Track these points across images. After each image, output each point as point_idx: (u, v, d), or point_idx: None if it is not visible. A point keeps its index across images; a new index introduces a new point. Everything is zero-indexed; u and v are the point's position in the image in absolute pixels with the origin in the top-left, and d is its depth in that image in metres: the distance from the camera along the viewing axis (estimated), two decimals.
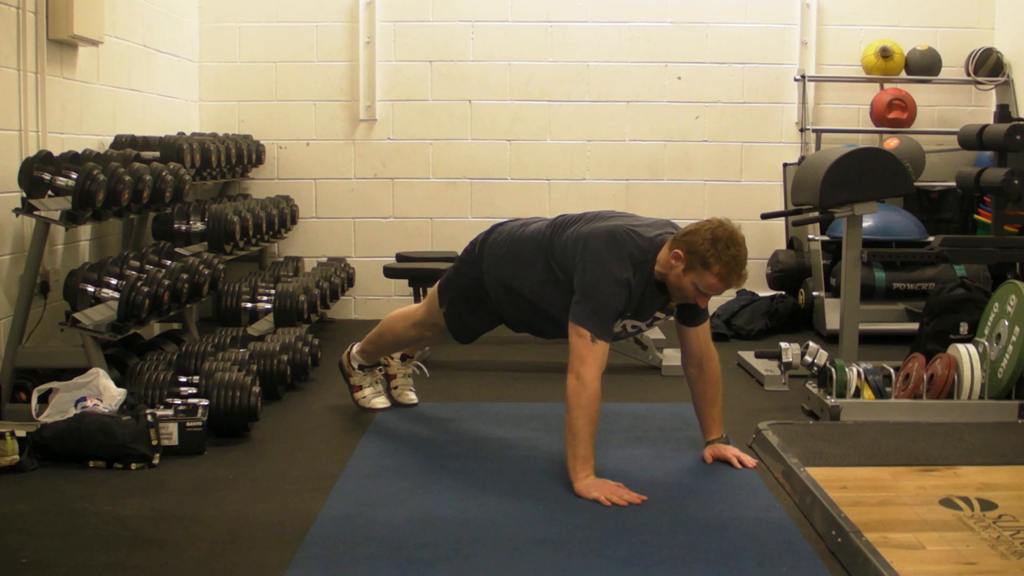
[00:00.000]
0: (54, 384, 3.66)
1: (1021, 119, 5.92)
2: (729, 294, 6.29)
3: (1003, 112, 6.03)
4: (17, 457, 3.29)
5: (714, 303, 6.18)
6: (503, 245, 3.57)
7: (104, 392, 3.60)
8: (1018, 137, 4.77)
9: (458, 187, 6.38)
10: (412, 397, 4.20)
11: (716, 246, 3.10)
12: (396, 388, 4.20)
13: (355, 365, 4.13)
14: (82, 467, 3.35)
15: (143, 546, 2.72)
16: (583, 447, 3.13)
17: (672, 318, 3.45)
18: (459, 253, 5.50)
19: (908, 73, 6.25)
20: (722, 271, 3.11)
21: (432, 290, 3.87)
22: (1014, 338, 3.93)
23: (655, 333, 5.32)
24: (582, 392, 3.12)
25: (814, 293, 5.81)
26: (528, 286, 3.47)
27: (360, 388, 4.14)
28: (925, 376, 3.98)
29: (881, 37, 6.25)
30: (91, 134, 4.77)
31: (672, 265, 3.17)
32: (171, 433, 3.48)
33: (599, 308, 3.17)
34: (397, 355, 4.18)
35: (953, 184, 5.50)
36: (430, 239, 6.35)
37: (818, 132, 6.26)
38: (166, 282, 4.07)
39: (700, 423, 3.52)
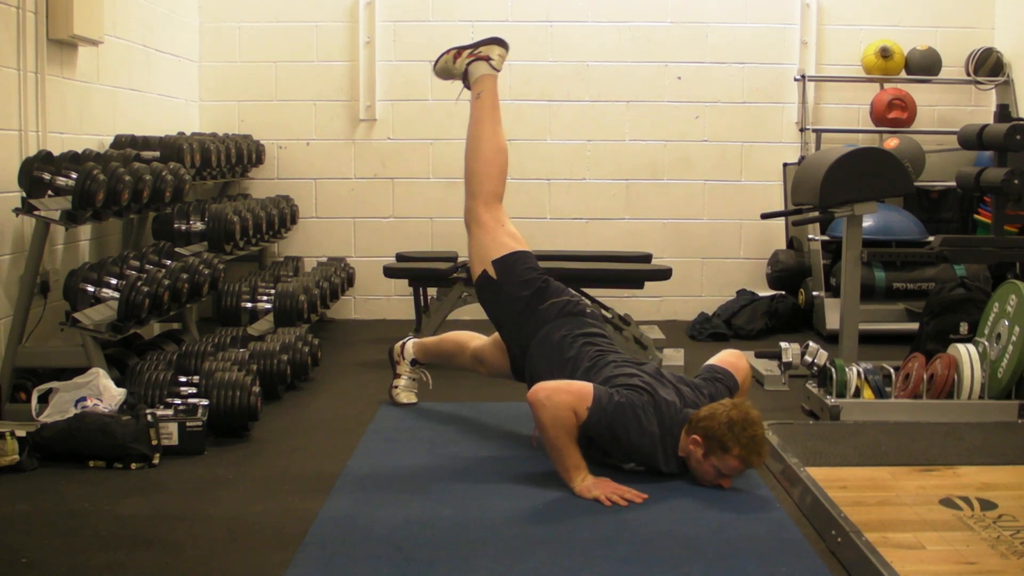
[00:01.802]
0: (54, 384, 3.66)
1: (1021, 119, 5.92)
2: (729, 294, 6.30)
3: (1003, 112, 6.03)
4: (17, 457, 3.29)
5: (714, 303, 6.23)
6: (549, 355, 3.48)
7: (104, 392, 3.60)
8: (1018, 137, 4.77)
9: (458, 187, 6.30)
10: (412, 398, 4.23)
11: (733, 429, 3.07)
12: (396, 388, 4.22)
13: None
14: (82, 467, 3.35)
15: (143, 546, 2.72)
16: (570, 458, 3.13)
17: None
18: (459, 254, 5.53)
19: (908, 73, 6.25)
20: (742, 453, 3.08)
21: (495, 340, 3.82)
22: (1014, 338, 3.93)
23: (655, 332, 5.33)
24: (554, 410, 3.09)
25: (814, 293, 5.81)
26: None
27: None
28: (925, 376, 3.99)
29: (881, 37, 6.25)
30: (91, 134, 4.77)
31: (691, 451, 3.16)
32: (171, 433, 3.48)
33: (615, 414, 3.12)
34: (408, 358, 4.21)
35: (953, 184, 5.50)
36: (430, 239, 6.35)
37: (818, 132, 6.26)
38: (166, 282, 4.07)
39: None
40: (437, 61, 3.95)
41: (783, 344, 4.24)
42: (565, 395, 3.13)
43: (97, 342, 3.82)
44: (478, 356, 3.93)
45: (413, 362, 4.22)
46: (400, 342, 4.26)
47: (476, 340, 4.00)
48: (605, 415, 3.12)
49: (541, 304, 3.60)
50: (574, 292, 3.74)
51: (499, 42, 3.83)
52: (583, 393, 3.13)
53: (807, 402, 4.15)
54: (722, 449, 3.09)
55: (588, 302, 3.76)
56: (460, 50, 3.86)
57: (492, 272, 3.68)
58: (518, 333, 3.62)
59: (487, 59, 3.79)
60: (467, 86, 3.92)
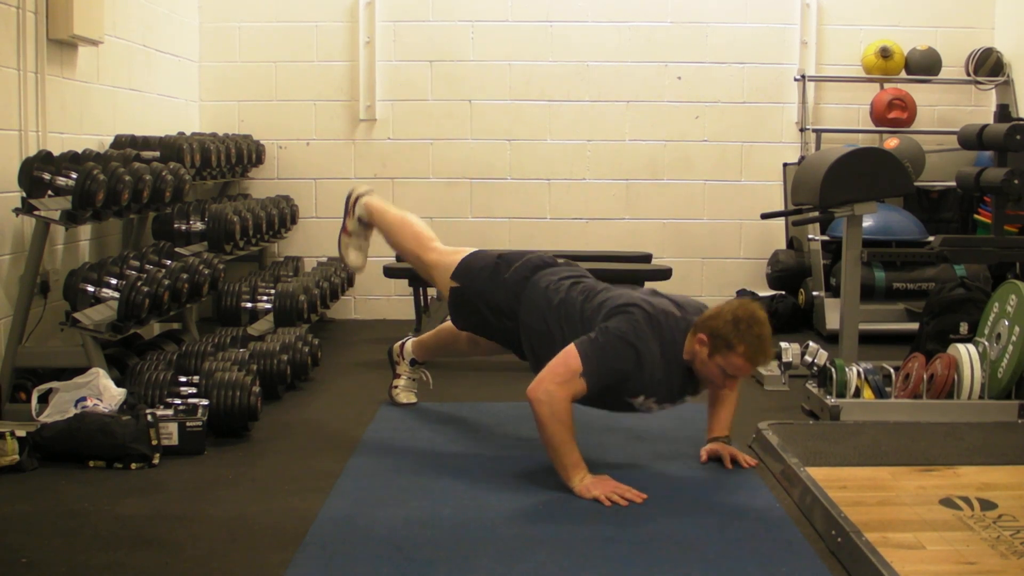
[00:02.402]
0: (54, 384, 3.66)
1: (1021, 119, 5.92)
2: (729, 294, 6.29)
3: (1003, 112, 6.03)
4: (17, 457, 3.29)
5: (714, 303, 6.21)
6: (535, 304, 3.46)
7: (104, 392, 3.60)
8: (1018, 137, 4.77)
9: (458, 187, 6.38)
10: (412, 398, 4.23)
11: (739, 327, 3.06)
12: (396, 388, 4.22)
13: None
14: (82, 467, 3.35)
15: (143, 546, 2.72)
16: (569, 456, 3.13)
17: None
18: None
19: (908, 73, 6.25)
20: (747, 351, 3.07)
21: (453, 254, 3.77)
22: (1014, 338, 3.93)
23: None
24: (552, 405, 3.08)
25: (814, 293, 5.81)
26: (549, 352, 3.34)
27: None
28: (925, 376, 3.99)
29: (881, 37, 6.25)
30: (91, 134, 4.77)
31: (697, 351, 3.14)
32: (171, 433, 3.48)
33: (606, 356, 3.11)
34: (407, 358, 4.20)
35: (953, 184, 5.50)
36: None
37: (818, 132, 6.26)
38: (166, 282, 4.07)
39: (708, 421, 3.52)
40: (345, 258, 4.13)
41: (783, 344, 4.23)
42: (557, 385, 3.09)
43: (97, 342, 3.82)
44: (472, 337, 3.90)
45: (412, 362, 4.22)
46: (399, 342, 4.26)
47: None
48: (601, 367, 3.10)
49: (507, 272, 3.57)
50: (534, 250, 3.72)
51: (351, 192, 4.07)
52: (572, 368, 3.09)
53: (807, 402, 4.15)
54: (727, 347, 3.07)
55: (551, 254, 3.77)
56: (344, 227, 4.08)
57: (456, 283, 3.67)
58: (506, 319, 3.55)
59: (356, 200, 4.02)
60: (369, 224, 4.03)
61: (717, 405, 3.49)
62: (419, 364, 4.23)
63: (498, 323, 3.59)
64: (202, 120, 6.30)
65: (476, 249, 3.75)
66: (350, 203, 4.06)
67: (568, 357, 3.13)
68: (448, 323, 4.07)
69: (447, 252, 3.78)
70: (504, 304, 3.54)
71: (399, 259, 5.57)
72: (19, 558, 2.62)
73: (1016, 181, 4.68)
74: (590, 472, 3.14)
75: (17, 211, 3.84)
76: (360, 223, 4.02)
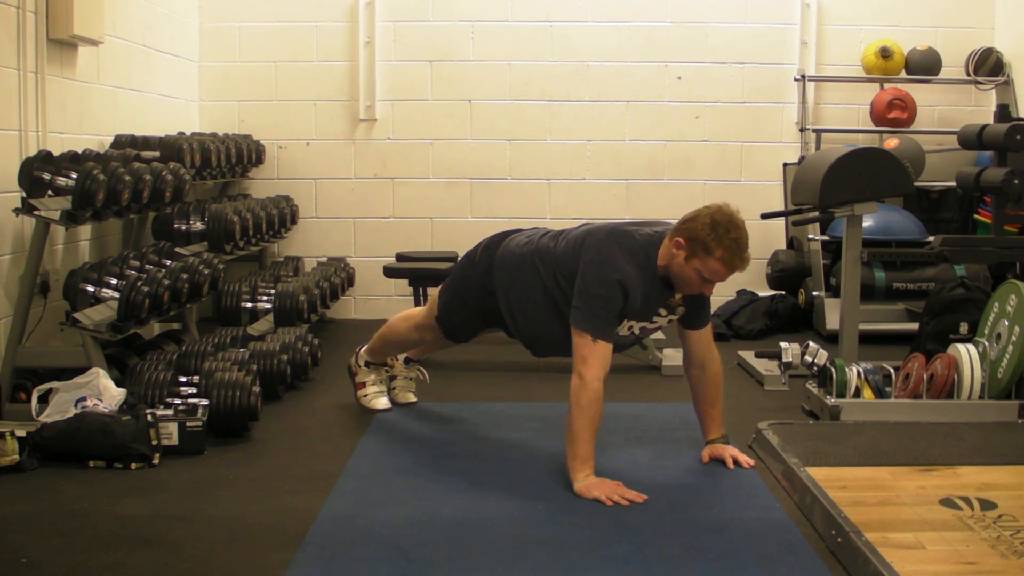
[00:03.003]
0: (54, 384, 3.66)
1: (1021, 119, 5.92)
2: (729, 294, 6.30)
3: (1003, 112, 6.03)
4: (17, 457, 3.29)
5: (714, 303, 6.22)
6: (510, 264, 3.50)
7: (104, 392, 3.60)
8: (1018, 137, 4.77)
9: (458, 187, 6.38)
10: (411, 397, 4.22)
11: (716, 230, 3.09)
12: (395, 389, 4.21)
13: (362, 362, 4.14)
14: (82, 467, 3.35)
15: (143, 546, 2.72)
16: (583, 448, 3.14)
17: (677, 319, 3.44)
18: (459, 254, 5.52)
19: (908, 73, 6.25)
20: (724, 255, 3.09)
21: (434, 294, 3.86)
22: (1014, 338, 3.93)
23: (655, 333, 5.32)
24: (582, 393, 3.12)
25: (814, 293, 5.81)
26: (532, 307, 3.44)
27: (363, 386, 4.14)
28: (925, 376, 3.99)
29: (881, 37, 6.25)
30: (91, 134, 4.77)
31: (674, 254, 3.16)
32: (171, 433, 3.48)
33: (597, 309, 3.16)
34: (401, 357, 4.18)
35: (953, 184, 5.50)
36: (430, 239, 6.35)
37: (818, 132, 6.26)
38: (166, 282, 4.07)
39: (700, 423, 3.52)
40: (369, 407, 4.15)
41: (783, 344, 4.24)
42: (587, 369, 3.12)
43: (97, 342, 3.82)
44: (421, 326, 3.90)
45: (407, 360, 4.19)
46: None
47: (412, 315, 3.99)
48: (602, 321, 3.14)
49: (476, 259, 3.62)
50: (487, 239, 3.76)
51: (350, 369, 4.19)
52: (587, 344, 3.14)
53: (807, 402, 4.15)
54: (705, 251, 3.08)
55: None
56: (357, 386, 4.17)
57: (440, 301, 3.75)
58: (489, 300, 3.58)
59: (356, 357, 4.16)
60: (378, 362, 4.18)
61: (708, 405, 3.49)
62: (414, 363, 4.21)
63: (485, 308, 3.61)
64: (202, 120, 6.30)
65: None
66: (352, 365, 4.18)
67: (578, 337, 3.17)
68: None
69: (430, 301, 3.90)
70: (481, 287, 3.58)
71: (399, 259, 5.58)
72: (19, 558, 2.62)
73: (1016, 181, 4.68)
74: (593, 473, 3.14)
75: (17, 211, 3.84)
76: (370, 366, 4.15)
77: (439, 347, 4.14)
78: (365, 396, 4.14)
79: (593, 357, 3.14)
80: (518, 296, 3.47)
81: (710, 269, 3.12)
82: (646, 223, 3.36)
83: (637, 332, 3.38)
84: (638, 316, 3.30)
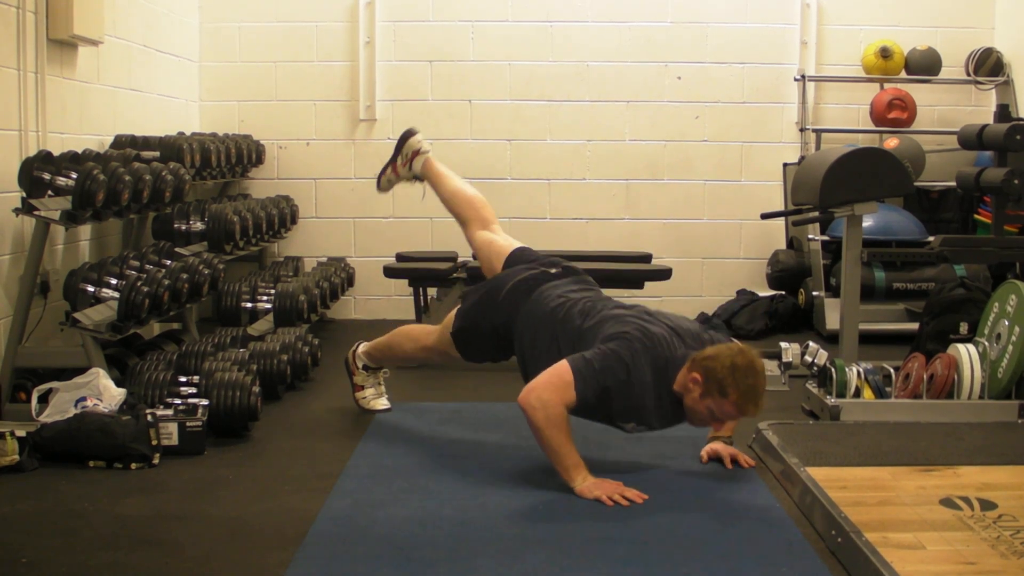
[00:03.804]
0: (54, 384, 3.66)
1: (1021, 119, 5.91)
2: (729, 294, 6.30)
3: (1003, 112, 6.03)
4: (17, 457, 3.29)
5: (714, 303, 6.24)
6: (533, 322, 3.45)
7: (104, 392, 3.60)
8: (1018, 137, 4.77)
9: None
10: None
11: (735, 374, 3.03)
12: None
13: (360, 365, 4.12)
14: (82, 467, 3.35)
15: (143, 546, 2.72)
16: (569, 458, 3.13)
17: None
18: (459, 254, 5.52)
19: (908, 73, 6.25)
20: (739, 400, 3.05)
21: (447, 318, 3.79)
22: (1014, 338, 3.93)
23: None
24: (550, 410, 3.09)
25: (814, 293, 5.81)
26: (545, 366, 3.31)
27: (362, 388, 4.13)
28: (925, 376, 3.99)
29: (881, 37, 6.25)
30: (91, 134, 4.77)
31: (690, 388, 3.12)
32: (171, 433, 3.48)
33: (597, 375, 3.10)
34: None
35: (953, 184, 5.50)
36: (430, 239, 6.35)
37: (818, 132, 6.26)
38: (166, 282, 4.07)
39: None
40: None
41: (783, 344, 4.23)
42: (551, 392, 3.10)
43: (97, 342, 3.82)
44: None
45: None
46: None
47: (421, 336, 3.94)
48: (590, 388, 3.09)
49: (500, 296, 3.58)
50: (522, 267, 3.69)
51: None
52: (565, 379, 3.10)
53: (807, 402, 4.15)
54: (720, 393, 3.05)
55: (545, 261, 3.71)
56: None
57: (456, 326, 3.71)
58: (508, 340, 3.56)
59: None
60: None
61: None
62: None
63: (502, 344, 3.60)
64: (202, 120, 6.30)
65: (464, 294, 3.82)
66: (349, 363, 4.14)
67: (561, 369, 3.14)
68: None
69: (442, 323, 3.84)
70: (503, 326, 3.56)
71: (399, 259, 5.58)
72: (19, 558, 2.62)
73: (1016, 181, 4.68)
74: (591, 474, 3.14)
75: (17, 211, 3.84)
76: (368, 371, 4.13)
77: (440, 364, 4.11)
78: (364, 398, 4.13)
79: (562, 395, 3.09)
80: (533, 354, 3.43)
81: (722, 410, 3.09)
82: (676, 330, 3.25)
83: (644, 431, 3.30)
84: (649, 424, 3.23)
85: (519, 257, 3.76)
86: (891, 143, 6.08)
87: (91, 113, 4.78)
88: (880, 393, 4.01)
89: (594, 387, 3.10)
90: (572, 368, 3.12)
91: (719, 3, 6.33)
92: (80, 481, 3.24)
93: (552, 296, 3.47)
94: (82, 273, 3.98)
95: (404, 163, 4.10)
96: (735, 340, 3.36)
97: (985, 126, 4.99)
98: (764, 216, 5.14)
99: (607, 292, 5.44)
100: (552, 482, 3.19)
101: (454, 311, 3.78)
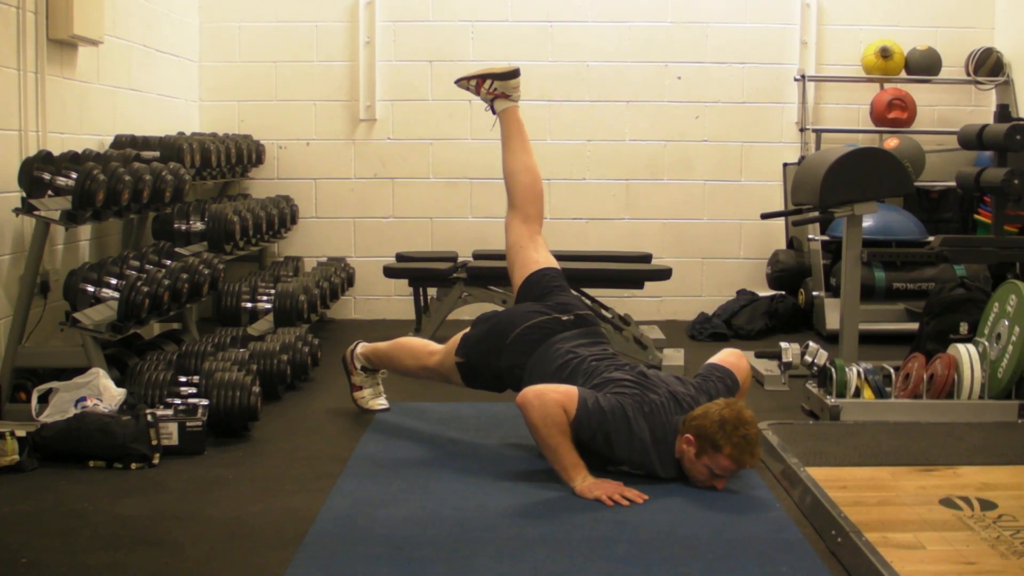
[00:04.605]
0: (54, 384, 3.66)
1: (1021, 119, 5.91)
2: (729, 294, 6.30)
3: (1003, 112, 6.02)
4: (17, 457, 3.29)
5: (714, 304, 6.24)
6: (541, 371, 3.44)
7: (104, 392, 3.60)
8: (1018, 137, 4.77)
9: (458, 187, 6.38)
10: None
11: (725, 428, 3.06)
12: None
13: (358, 365, 4.11)
14: (82, 467, 3.35)
15: (143, 546, 2.72)
16: (568, 457, 3.14)
17: None
18: (459, 254, 5.51)
19: (908, 73, 6.25)
20: (733, 452, 3.08)
21: (451, 343, 3.76)
22: (1014, 338, 3.93)
23: (655, 333, 5.33)
24: (547, 409, 3.11)
25: (814, 293, 5.81)
26: None
27: (360, 388, 4.12)
28: (925, 376, 3.99)
29: (881, 37, 6.25)
30: (91, 134, 4.77)
31: (684, 450, 3.15)
32: (171, 433, 3.48)
33: (600, 409, 3.12)
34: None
35: (953, 184, 5.50)
36: (430, 239, 6.35)
37: (818, 132, 6.26)
38: (166, 282, 4.07)
39: None
40: (363, 408, 4.13)
41: (783, 344, 4.24)
42: (553, 394, 3.14)
43: (97, 342, 3.82)
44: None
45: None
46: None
47: (424, 355, 3.89)
48: (591, 417, 3.12)
49: (509, 337, 3.57)
50: (535, 308, 3.67)
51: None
52: (570, 393, 3.15)
53: (807, 402, 4.15)
54: (713, 448, 3.09)
55: (558, 305, 3.68)
56: (353, 386, 4.13)
57: (460, 359, 3.69)
58: (514, 378, 3.56)
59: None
60: (374, 368, 4.15)
61: None
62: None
63: (509, 383, 3.61)
64: (202, 120, 6.30)
65: (473, 321, 3.77)
66: (347, 361, 4.12)
67: (570, 389, 3.18)
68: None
69: (445, 346, 3.81)
70: (507, 369, 3.56)
71: (399, 259, 5.58)
72: (19, 558, 2.62)
73: (1016, 181, 4.68)
74: (591, 474, 3.14)
75: (17, 211, 3.84)
76: (366, 372, 4.11)
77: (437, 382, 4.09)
78: (363, 398, 4.13)
79: (565, 400, 3.11)
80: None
81: (719, 465, 3.11)
82: (676, 397, 3.25)
83: (638, 473, 3.28)
84: (652, 471, 3.23)
85: (536, 285, 3.74)
86: (891, 143, 6.08)
87: (91, 113, 4.78)
88: (880, 393, 4.01)
89: (594, 421, 3.13)
90: (579, 393, 3.16)
91: (719, 3, 6.32)
92: (80, 481, 3.24)
93: (561, 351, 3.48)
94: (82, 273, 3.98)
95: (490, 92, 4.02)
96: (734, 394, 3.37)
97: (985, 126, 4.99)
98: (764, 216, 5.14)
99: (608, 292, 5.49)
100: (552, 482, 3.19)
101: (459, 336, 3.75)
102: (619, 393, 3.21)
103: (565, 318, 3.61)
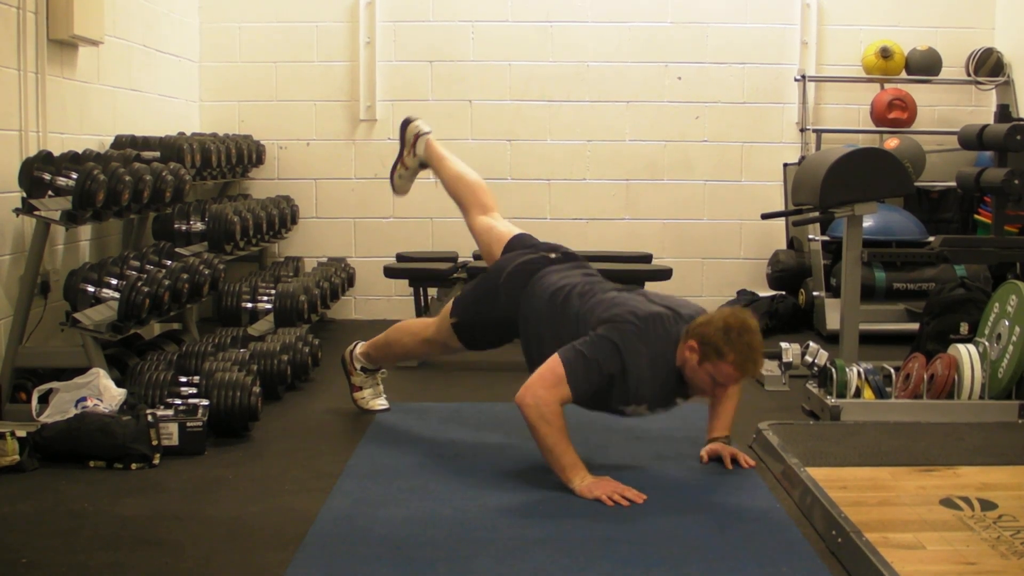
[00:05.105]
0: (54, 384, 3.66)
1: (1021, 119, 5.92)
2: (729, 294, 6.30)
3: (1003, 112, 6.02)
4: (17, 457, 3.29)
5: (714, 303, 6.20)
6: (533, 310, 3.45)
7: (104, 392, 3.60)
8: (1018, 137, 4.76)
9: None
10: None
11: (729, 335, 3.03)
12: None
13: (357, 366, 4.11)
14: (82, 467, 3.35)
15: (143, 546, 2.72)
16: (567, 457, 3.13)
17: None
18: (459, 254, 5.52)
19: (908, 73, 6.25)
20: (737, 359, 3.05)
21: (444, 309, 3.79)
22: (1014, 338, 3.93)
23: None
24: (544, 408, 3.09)
25: (814, 293, 5.81)
26: (549, 352, 3.29)
27: (360, 388, 4.12)
28: (925, 376, 3.99)
29: (881, 37, 6.25)
30: (91, 134, 4.77)
31: (687, 358, 3.11)
32: (171, 433, 3.48)
33: (590, 365, 3.10)
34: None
35: (953, 184, 5.50)
36: (430, 239, 6.35)
37: (818, 132, 6.26)
38: (166, 282, 4.07)
39: (708, 420, 3.52)
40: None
41: (783, 344, 4.24)
42: (544, 389, 3.10)
43: (97, 342, 3.82)
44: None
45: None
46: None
47: (419, 329, 3.91)
48: (584, 376, 3.09)
49: (501, 278, 3.57)
50: (521, 251, 3.67)
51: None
52: (557, 373, 3.10)
53: (807, 402, 4.15)
54: (717, 355, 3.05)
55: (544, 246, 3.70)
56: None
57: (455, 319, 3.69)
58: (512, 325, 3.56)
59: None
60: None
61: (718, 405, 3.49)
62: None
63: (506, 328, 3.59)
64: (202, 120, 6.30)
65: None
66: (347, 362, 4.11)
67: (554, 364, 3.14)
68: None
69: (439, 315, 3.82)
70: (504, 311, 3.55)
71: (399, 259, 5.58)
72: (19, 558, 2.62)
73: (1016, 181, 4.68)
74: (590, 473, 3.14)
75: (17, 211, 3.84)
76: (366, 372, 4.10)
77: (441, 357, 4.09)
78: (363, 398, 4.12)
79: (556, 391, 3.10)
80: (537, 342, 3.42)
81: (722, 373, 3.08)
82: (674, 308, 3.24)
83: (645, 414, 3.29)
84: (649, 403, 3.22)
85: (519, 243, 3.77)
86: (891, 143, 6.08)
87: (91, 113, 4.78)
88: (880, 393, 4.01)
89: (588, 379, 3.10)
90: (564, 362, 3.11)
91: (719, 3, 6.33)
92: (80, 481, 3.24)
93: (552, 280, 3.47)
94: (82, 273, 3.98)
95: (409, 152, 4.12)
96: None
97: (985, 126, 4.99)
98: (764, 216, 5.14)
99: None
100: (552, 482, 3.19)
101: (451, 301, 3.79)
102: (610, 318, 3.16)
103: (553, 255, 3.62)
